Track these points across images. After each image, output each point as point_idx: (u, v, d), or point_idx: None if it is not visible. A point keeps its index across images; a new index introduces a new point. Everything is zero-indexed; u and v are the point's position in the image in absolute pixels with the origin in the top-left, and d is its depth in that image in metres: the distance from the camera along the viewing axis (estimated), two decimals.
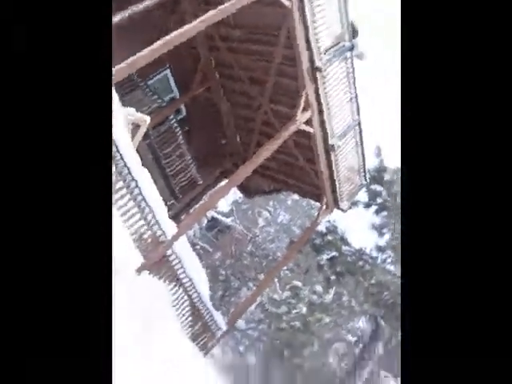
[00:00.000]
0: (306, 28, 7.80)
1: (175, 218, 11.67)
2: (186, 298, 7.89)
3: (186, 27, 6.27)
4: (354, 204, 13.28)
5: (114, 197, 6.21)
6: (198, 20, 6.36)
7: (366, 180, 11.56)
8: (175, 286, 7.64)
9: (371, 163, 13.41)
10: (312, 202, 19.12)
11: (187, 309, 7.98)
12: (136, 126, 7.52)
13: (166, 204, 8.81)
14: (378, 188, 13.31)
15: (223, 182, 11.80)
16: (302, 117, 8.65)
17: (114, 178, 6.16)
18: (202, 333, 8.48)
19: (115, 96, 6.81)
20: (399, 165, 13.18)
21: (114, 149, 5.99)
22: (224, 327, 8.84)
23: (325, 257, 13.48)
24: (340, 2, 8.18)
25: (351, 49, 8.89)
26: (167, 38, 6.06)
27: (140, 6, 7.38)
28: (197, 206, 12.43)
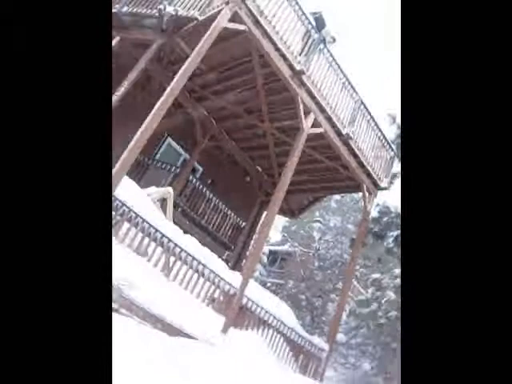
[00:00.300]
0: (271, 41, 7.89)
1: (236, 266, 11.74)
2: (278, 336, 7.82)
3: (166, 95, 6.43)
4: (394, 177, 13.04)
5: (176, 273, 6.32)
6: (170, 88, 6.52)
7: (393, 150, 11.39)
8: (264, 329, 7.60)
9: (391, 132, 13.26)
10: (354, 194, 18.99)
11: (284, 346, 7.90)
12: (164, 201, 7.71)
13: (222, 258, 8.91)
14: None
15: (264, 214, 11.82)
16: (307, 122, 8.65)
17: (165, 255, 6.28)
18: (308, 362, 8.36)
19: (133, 184, 7.01)
20: None
21: (152, 230, 6.11)
22: (326, 347, 8.70)
23: (390, 240, 13.18)
24: (292, 4, 8.28)
25: (322, 40, 8.94)
26: (151, 114, 6.22)
27: (117, 93, 7.63)
28: (250, 247, 12.46)
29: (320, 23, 9.20)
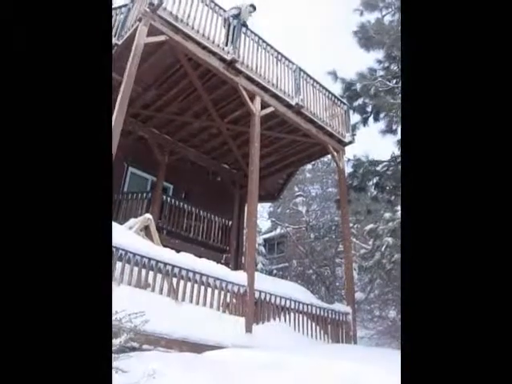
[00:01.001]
0: (194, 41, 7.87)
1: (237, 265, 11.76)
2: (301, 316, 7.89)
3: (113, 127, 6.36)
4: (355, 128, 13.17)
5: (183, 293, 6.31)
6: (114, 119, 6.45)
7: (345, 104, 11.52)
8: (285, 315, 7.66)
9: (338, 88, 13.35)
10: (324, 158, 19.12)
11: (310, 323, 7.98)
12: (146, 228, 7.65)
13: (221, 262, 8.91)
14: (359, 101, 13.20)
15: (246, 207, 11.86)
16: (255, 106, 8.67)
17: (167, 279, 6.26)
18: (337, 330, 8.46)
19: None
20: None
21: (145, 260, 6.08)
22: (349, 310, 8.82)
23: (372, 188, 13.34)
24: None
25: (243, 24, 8.95)
26: None
27: None
28: (244, 243, 12.47)
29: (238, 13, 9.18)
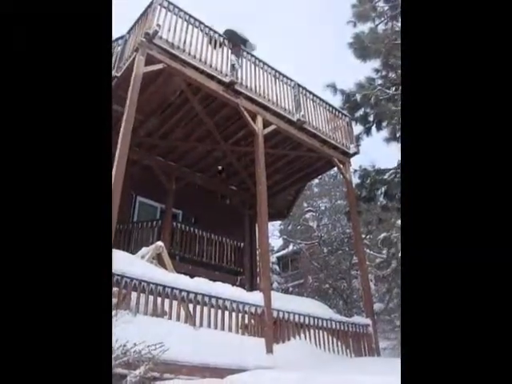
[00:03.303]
0: (192, 66, 7.94)
1: (252, 286, 11.67)
2: (321, 332, 7.79)
3: (117, 158, 6.38)
4: (359, 139, 13.16)
5: (200, 318, 6.24)
6: (118, 152, 6.48)
7: (346, 116, 11.53)
8: (305, 332, 7.56)
9: (338, 101, 13.39)
10: (330, 171, 19.10)
11: (331, 338, 7.86)
12: (158, 256, 7.64)
13: (236, 285, 8.85)
14: (360, 111, 13.21)
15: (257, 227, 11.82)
16: (257, 125, 8.69)
17: (183, 306, 6.21)
18: (359, 343, 8.33)
19: (123, 253, 6.94)
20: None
21: (160, 288, 6.04)
22: (369, 321, 8.69)
23: (381, 197, 13.26)
24: (197, 24, 8.35)
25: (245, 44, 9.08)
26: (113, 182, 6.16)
27: None
28: (258, 263, 12.40)
29: (242, 41, 9.24)
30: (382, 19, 12.73)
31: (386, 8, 12.66)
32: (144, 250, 7.77)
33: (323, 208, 28.53)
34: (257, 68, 9.36)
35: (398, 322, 16.85)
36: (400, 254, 9.89)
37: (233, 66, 8.41)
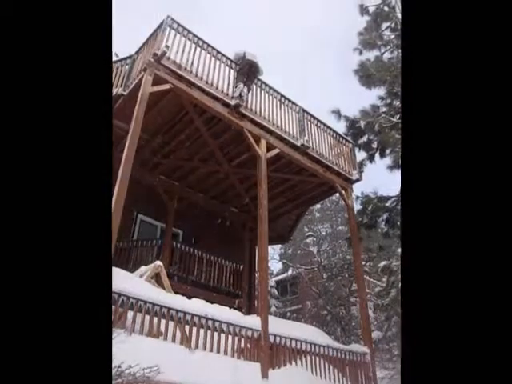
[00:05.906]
0: (198, 88, 8.03)
1: (250, 309, 11.56)
2: (317, 359, 7.68)
3: (120, 175, 6.40)
4: (362, 165, 13.20)
5: (196, 340, 6.17)
6: (121, 170, 6.51)
7: (350, 142, 11.59)
8: (301, 358, 7.45)
9: (342, 127, 13.48)
10: (332, 197, 19.10)
11: (327, 365, 7.74)
12: (157, 275, 7.59)
13: (234, 307, 8.77)
14: (364, 137, 13.29)
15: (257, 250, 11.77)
16: (261, 149, 8.72)
17: (179, 327, 6.14)
18: (356, 372, 8.20)
19: (122, 271, 6.90)
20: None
21: (157, 308, 5.99)
22: (367, 350, 8.57)
23: (382, 224, 13.22)
24: (205, 47, 8.46)
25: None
26: (114, 201, 6.16)
27: None
28: (256, 286, 12.31)
29: (255, 70, 9.21)
30: (388, 47, 12.90)
31: (392, 37, 12.86)
32: (143, 268, 7.73)
33: (324, 233, 28.45)
34: (262, 92, 9.46)
35: (397, 352, 16.62)
36: (400, 284, 9.80)
37: (240, 94, 8.46)
